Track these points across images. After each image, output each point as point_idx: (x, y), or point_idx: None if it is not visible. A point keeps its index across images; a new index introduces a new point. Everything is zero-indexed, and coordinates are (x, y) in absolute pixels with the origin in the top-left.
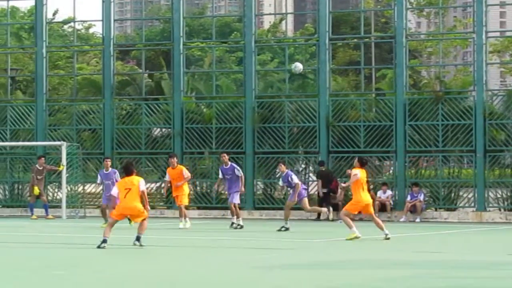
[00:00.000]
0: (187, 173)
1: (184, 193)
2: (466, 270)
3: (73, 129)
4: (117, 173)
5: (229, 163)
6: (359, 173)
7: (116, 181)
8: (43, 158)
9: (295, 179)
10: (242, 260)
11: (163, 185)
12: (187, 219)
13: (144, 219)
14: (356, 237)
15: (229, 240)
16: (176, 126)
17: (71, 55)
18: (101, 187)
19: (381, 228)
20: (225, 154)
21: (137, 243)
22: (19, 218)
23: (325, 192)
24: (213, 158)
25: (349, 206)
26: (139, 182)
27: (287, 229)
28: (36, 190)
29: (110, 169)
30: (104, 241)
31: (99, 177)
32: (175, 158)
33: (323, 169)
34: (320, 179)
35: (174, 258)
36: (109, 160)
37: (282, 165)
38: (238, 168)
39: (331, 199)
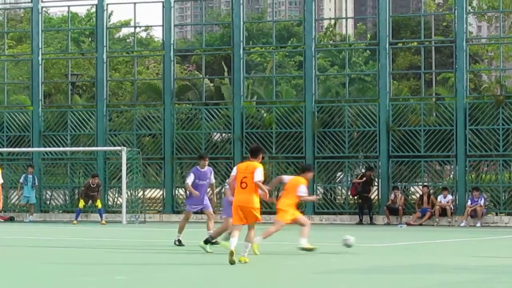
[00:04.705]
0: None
1: None
2: None
3: (133, 134)
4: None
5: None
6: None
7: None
8: (97, 178)
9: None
10: (302, 265)
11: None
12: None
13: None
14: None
15: (289, 244)
16: (236, 131)
17: (131, 59)
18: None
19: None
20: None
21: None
22: (82, 224)
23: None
24: (273, 163)
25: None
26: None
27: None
28: (82, 203)
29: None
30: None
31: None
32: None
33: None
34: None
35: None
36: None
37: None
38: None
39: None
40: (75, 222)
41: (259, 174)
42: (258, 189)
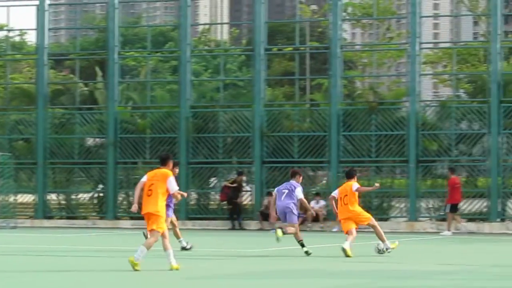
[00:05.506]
0: None
1: None
2: (397, 279)
3: (5, 138)
4: None
5: None
6: None
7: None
8: None
9: None
10: (179, 270)
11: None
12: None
13: None
14: None
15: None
16: (110, 136)
17: (4, 64)
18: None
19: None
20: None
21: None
22: None
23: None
24: (147, 168)
25: None
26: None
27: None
28: None
29: None
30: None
31: None
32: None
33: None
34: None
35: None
36: None
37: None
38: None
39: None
40: None
41: (173, 185)
42: (178, 197)
